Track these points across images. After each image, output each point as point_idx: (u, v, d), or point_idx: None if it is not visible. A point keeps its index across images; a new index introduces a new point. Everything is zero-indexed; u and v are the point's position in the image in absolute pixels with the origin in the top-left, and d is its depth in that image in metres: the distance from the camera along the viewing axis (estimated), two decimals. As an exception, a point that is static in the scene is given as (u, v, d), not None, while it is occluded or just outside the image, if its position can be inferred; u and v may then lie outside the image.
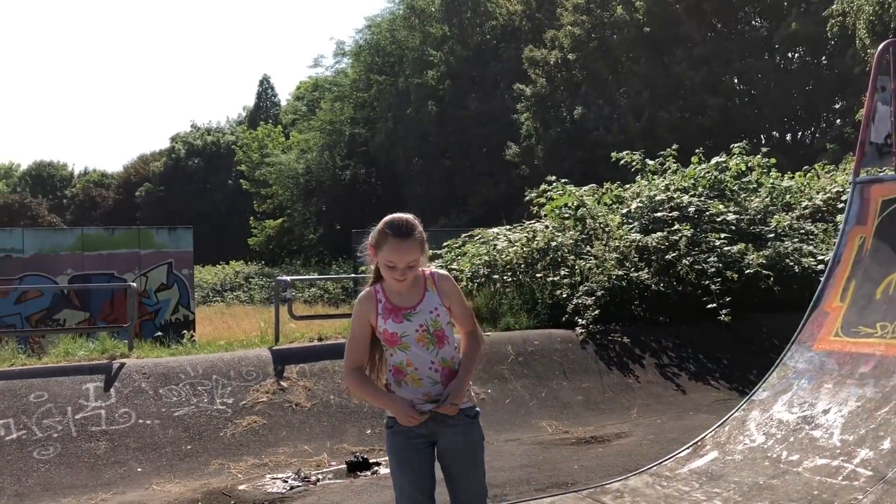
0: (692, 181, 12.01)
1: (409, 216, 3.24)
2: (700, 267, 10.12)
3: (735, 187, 12.09)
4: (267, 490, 6.06)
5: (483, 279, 10.83)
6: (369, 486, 6.05)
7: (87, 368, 7.42)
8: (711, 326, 9.92)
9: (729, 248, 10.34)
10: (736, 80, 29.54)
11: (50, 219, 55.17)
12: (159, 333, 11.44)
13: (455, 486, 3.24)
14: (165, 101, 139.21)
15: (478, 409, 3.34)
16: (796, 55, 28.85)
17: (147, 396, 7.19)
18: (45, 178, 76.67)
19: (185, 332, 11.20)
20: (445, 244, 12.46)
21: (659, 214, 11.14)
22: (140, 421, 6.94)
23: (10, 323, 15.02)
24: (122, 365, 7.51)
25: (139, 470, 6.45)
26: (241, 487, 6.13)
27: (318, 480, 6.27)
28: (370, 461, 6.65)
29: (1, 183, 76.10)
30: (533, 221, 12.17)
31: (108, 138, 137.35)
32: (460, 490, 3.24)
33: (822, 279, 6.37)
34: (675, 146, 12.94)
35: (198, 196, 59.96)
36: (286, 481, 6.23)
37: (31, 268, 15.63)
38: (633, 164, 12.79)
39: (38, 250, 15.78)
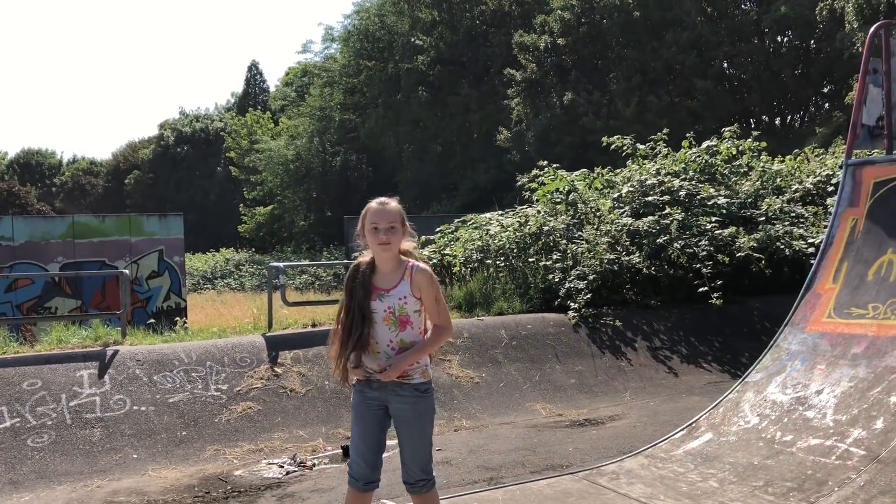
0: (683, 165, 12.04)
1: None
2: (691, 250, 10.16)
3: (726, 171, 12.13)
4: (263, 475, 6.08)
5: (476, 264, 10.86)
6: (365, 471, 6.06)
7: (81, 356, 7.39)
8: (703, 309, 9.97)
9: (720, 231, 10.39)
10: (726, 64, 29.53)
11: (39, 207, 54.70)
12: (152, 321, 11.41)
13: (402, 446, 3.76)
14: (153, 87, 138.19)
15: (430, 385, 3.77)
16: (785, 39, 28.84)
17: (141, 383, 7.18)
18: (34, 166, 75.99)
19: (177, 319, 11.17)
20: (438, 229, 12.47)
21: (650, 198, 11.17)
22: (135, 407, 6.93)
23: (1, 311, 14.95)
24: (116, 352, 7.49)
25: (135, 456, 6.45)
26: (238, 473, 6.15)
27: (313, 465, 6.29)
28: (366, 446, 6.66)
29: (-12, 171, 75.45)
30: (525, 206, 12.19)
31: (96, 125, 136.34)
32: (405, 449, 3.74)
33: (815, 261, 6.41)
34: (665, 130, 12.97)
35: (187, 183, 59.70)
36: (282, 466, 6.25)
37: (22, 256, 15.54)
38: (624, 148, 12.81)
39: (28, 238, 15.69)
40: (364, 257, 3.78)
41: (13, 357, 7.33)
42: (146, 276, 16.68)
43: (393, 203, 3.68)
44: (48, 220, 17.33)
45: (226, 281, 35.70)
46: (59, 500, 5.65)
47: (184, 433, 6.79)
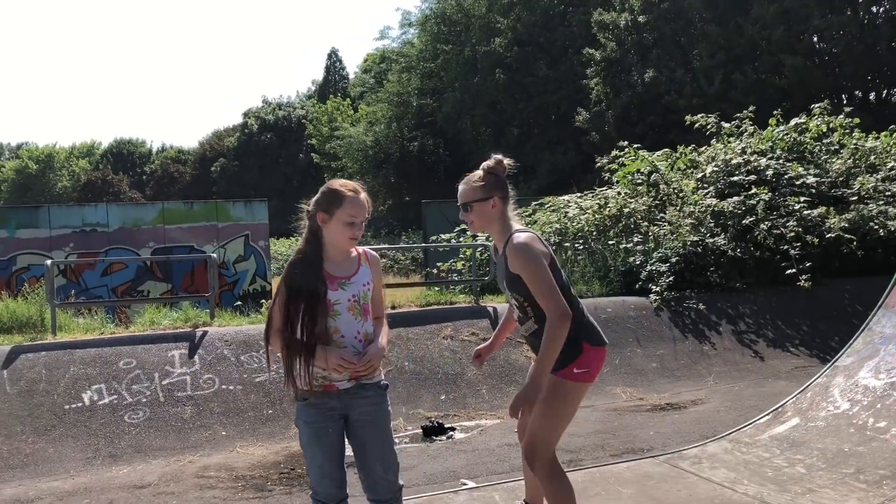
0: (770, 144, 11.66)
1: None
2: (778, 231, 9.86)
3: (815, 149, 11.69)
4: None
5: (554, 247, 10.79)
6: (444, 451, 6.14)
7: (172, 336, 7.70)
8: (790, 292, 9.68)
9: (809, 211, 10.04)
10: (815, 39, 28.32)
11: (131, 194, 57.07)
12: (238, 303, 11.75)
13: (367, 456, 3.24)
14: (237, 77, 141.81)
15: (387, 383, 3.36)
16: (881, 9, 27.42)
17: (229, 363, 7.42)
18: (126, 156, 79.13)
19: (262, 301, 11.48)
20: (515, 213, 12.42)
21: (735, 178, 10.86)
22: (223, 386, 7.18)
23: (97, 294, 15.67)
24: (205, 333, 7.76)
25: (223, 433, 6.69)
26: (321, 451, 6.30)
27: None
28: (445, 426, 6.75)
29: (84, 161, 78.90)
30: (604, 188, 12.04)
31: (183, 115, 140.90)
32: (376, 460, 3.24)
33: (911, 241, 6.13)
34: (751, 108, 12.57)
35: (270, 170, 61.09)
36: (364, 445, 6.37)
37: (116, 241, 16.26)
38: (708, 127, 12.48)
39: (121, 224, 16.39)
40: (301, 249, 3.27)
41: (110, 337, 7.70)
42: (233, 260, 17.21)
43: (365, 192, 3.30)
44: (140, 207, 18.05)
45: (308, 265, 36.36)
46: (154, 473, 5.91)
47: (269, 412, 7.00)
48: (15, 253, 15.77)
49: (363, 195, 3.26)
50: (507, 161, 3.64)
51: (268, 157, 62.03)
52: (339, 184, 3.29)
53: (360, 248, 3.39)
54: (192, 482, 5.64)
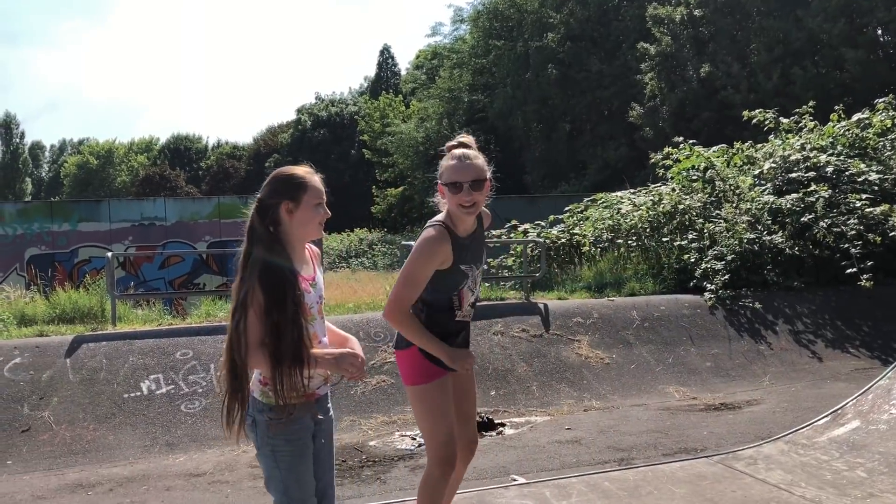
0: (830, 139, 11.37)
1: None
2: (839, 229, 9.61)
3: (879, 145, 11.36)
4: (396, 446, 6.25)
5: (606, 244, 10.71)
6: (494, 446, 6.14)
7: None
8: (851, 292, 9.43)
9: (871, 209, 9.77)
10: (880, 32, 27.50)
11: (187, 189, 58.24)
12: (291, 297, 11.89)
13: (325, 465, 3.03)
14: (291, 74, 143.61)
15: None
16: (950, 1, 26.49)
17: (282, 355, 7.51)
18: (182, 151, 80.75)
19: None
20: (567, 209, 12.35)
21: (794, 175, 10.63)
22: (276, 378, 7.27)
23: (155, 287, 16.04)
24: (259, 325, 7.86)
25: (276, 424, 6.77)
26: (372, 443, 6.36)
27: (444, 439, 6.40)
28: (495, 422, 6.75)
29: (143, 156, 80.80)
30: (658, 184, 11.88)
31: (238, 112, 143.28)
32: (327, 469, 3.03)
33: (980, 240, 5.92)
34: (811, 103, 12.26)
35: (323, 166, 60.10)
36: (414, 438, 6.41)
37: (173, 235, 16.62)
38: (766, 122, 12.22)
39: (178, 218, 16.75)
40: (263, 253, 2.81)
41: (167, 328, 7.87)
42: (286, 254, 17.43)
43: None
44: (196, 202, 18.39)
45: (360, 260, 36.75)
46: (209, 462, 6.03)
47: (321, 404, 7.07)
48: (77, 245, 16.24)
49: (318, 175, 2.98)
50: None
51: (320, 153, 62.53)
52: (290, 169, 2.96)
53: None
54: (246, 471, 5.75)
